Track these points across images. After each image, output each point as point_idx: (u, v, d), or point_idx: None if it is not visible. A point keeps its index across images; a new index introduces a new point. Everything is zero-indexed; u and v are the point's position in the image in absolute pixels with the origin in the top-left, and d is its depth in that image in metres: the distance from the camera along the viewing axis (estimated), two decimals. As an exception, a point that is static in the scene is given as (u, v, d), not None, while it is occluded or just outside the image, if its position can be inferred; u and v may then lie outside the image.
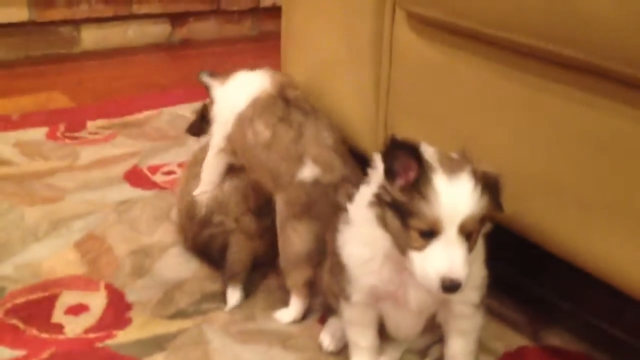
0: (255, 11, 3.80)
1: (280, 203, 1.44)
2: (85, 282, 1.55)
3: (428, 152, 1.09)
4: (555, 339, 1.43)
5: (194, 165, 1.66)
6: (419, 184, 1.04)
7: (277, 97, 1.50)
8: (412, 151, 1.06)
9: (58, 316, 1.43)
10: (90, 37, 3.34)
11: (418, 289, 1.15)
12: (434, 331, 1.34)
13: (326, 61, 1.74)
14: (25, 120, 2.44)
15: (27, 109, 2.55)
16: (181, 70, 3.19)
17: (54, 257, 1.64)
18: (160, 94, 2.79)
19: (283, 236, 1.43)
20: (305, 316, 1.46)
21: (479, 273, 1.20)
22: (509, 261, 1.25)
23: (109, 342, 1.36)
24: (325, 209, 1.38)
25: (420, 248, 1.05)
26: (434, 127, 1.46)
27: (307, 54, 1.79)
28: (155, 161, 2.18)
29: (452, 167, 1.06)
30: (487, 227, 1.15)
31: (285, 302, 1.49)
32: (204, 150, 1.64)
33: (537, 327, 1.47)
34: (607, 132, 1.13)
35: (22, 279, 1.54)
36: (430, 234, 1.04)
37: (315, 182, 1.39)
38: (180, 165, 2.12)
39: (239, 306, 1.49)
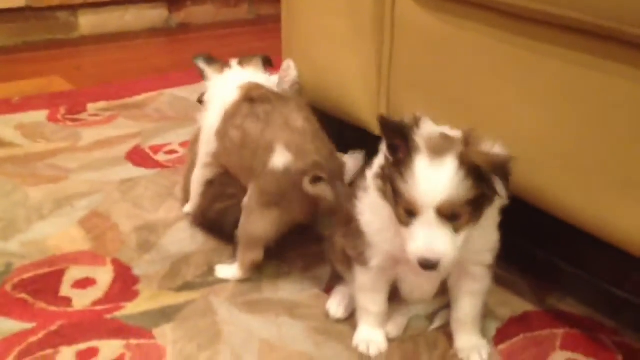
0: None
1: (252, 190, 1.45)
2: (92, 257, 1.55)
3: (422, 131, 1.09)
4: (560, 304, 1.44)
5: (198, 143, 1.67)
6: (404, 164, 1.06)
7: (242, 102, 1.52)
8: (399, 131, 1.08)
9: (66, 290, 1.44)
10: (88, 22, 3.33)
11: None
12: (441, 297, 1.35)
13: (328, 38, 1.74)
14: (26, 104, 2.44)
15: (27, 93, 2.55)
16: (180, 53, 3.19)
17: (59, 234, 1.64)
18: (159, 77, 2.79)
19: (249, 217, 1.45)
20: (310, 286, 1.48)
21: (492, 236, 1.22)
22: (513, 228, 1.26)
23: (117, 313, 1.37)
24: (295, 199, 1.41)
25: (407, 224, 1.08)
26: (436, 98, 1.46)
27: (308, 32, 1.79)
28: (157, 141, 2.18)
29: (437, 150, 1.05)
30: (501, 201, 1.14)
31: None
32: None
33: (542, 292, 1.48)
34: (611, 94, 1.14)
35: (28, 255, 1.55)
36: (412, 213, 1.07)
37: (286, 171, 1.39)
38: (182, 144, 2.12)
39: (244, 278, 1.49)
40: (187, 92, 2.56)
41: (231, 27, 3.69)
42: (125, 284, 1.47)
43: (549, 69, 1.23)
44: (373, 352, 1.28)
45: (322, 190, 1.36)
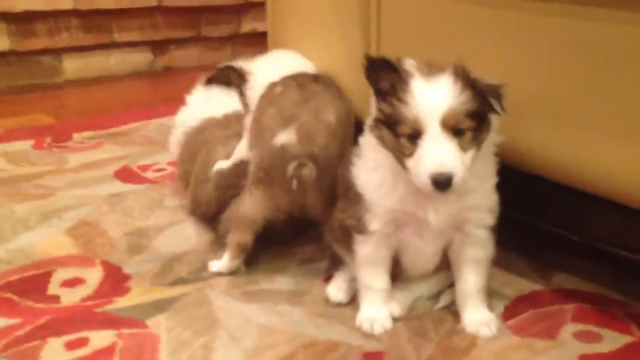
0: (235, 37, 3.83)
1: (251, 162, 1.42)
2: (80, 260, 1.50)
3: (409, 63, 1.12)
4: (567, 283, 1.40)
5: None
6: (398, 91, 1.08)
7: (308, 76, 1.51)
8: (386, 63, 1.10)
9: (53, 288, 1.38)
10: (72, 66, 3.34)
11: (436, 207, 1.16)
12: (445, 275, 1.31)
13: (314, 26, 1.74)
14: (11, 135, 2.41)
15: (11, 128, 2.52)
16: (166, 91, 3.18)
17: (47, 241, 1.59)
18: (145, 110, 2.78)
19: (243, 195, 1.42)
20: (309, 277, 1.44)
21: (491, 196, 1.20)
22: (511, 203, 1.23)
23: (108, 307, 1.31)
24: (281, 184, 1.35)
25: (411, 154, 1.08)
26: (427, 48, 1.45)
27: (294, 21, 1.80)
28: (145, 161, 2.15)
29: (431, 71, 1.09)
30: (497, 138, 1.17)
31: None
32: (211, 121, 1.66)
33: (547, 273, 1.44)
34: (600, 39, 1.12)
35: (14, 260, 1.50)
36: (415, 136, 1.07)
37: (282, 149, 1.34)
38: (170, 163, 2.09)
39: (240, 273, 1.44)
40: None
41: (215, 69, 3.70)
42: (116, 281, 1.41)
43: (538, 21, 1.22)
44: (377, 330, 1.23)
45: (291, 170, 1.30)
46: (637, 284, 1.37)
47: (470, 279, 1.23)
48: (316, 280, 1.42)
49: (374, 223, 1.19)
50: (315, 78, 1.51)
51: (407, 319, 1.27)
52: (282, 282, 1.41)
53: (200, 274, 1.44)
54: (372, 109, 1.17)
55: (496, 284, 1.38)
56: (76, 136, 2.41)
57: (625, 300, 1.33)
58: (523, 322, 1.27)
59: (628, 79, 1.10)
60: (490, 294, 1.32)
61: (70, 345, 1.19)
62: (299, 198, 1.38)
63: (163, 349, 1.18)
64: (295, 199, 1.39)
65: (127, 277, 1.42)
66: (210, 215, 1.57)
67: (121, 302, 1.32)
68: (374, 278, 1.25)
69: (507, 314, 1.29)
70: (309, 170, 1.31)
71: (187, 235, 1.61)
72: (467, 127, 1.08)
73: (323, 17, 1.71)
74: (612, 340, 1.20)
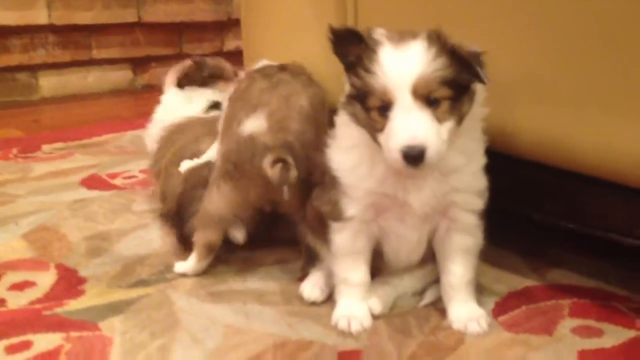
0: (218, 55, 3.72)
1: (218, 155, 1.31)
2: (33, 264, 1.38)
3: (379, 32, 1.02)
4: (563, 279, 1.29)
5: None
6: (365, 62, 0.98)
7: (274, 67, 1.40)
8: (352, 33, 1.01)
9: (0, 292, 1.25)
10: (49, 84, 3.24)
11: (419, 190, 1.05)
12: (430, 270, 1.19)
13: (291, 25, 1.64)
14: (-24, 147, 2.29)
15: (-21, 142, 2.41)
16: (145, 107, 3.06)
17: (-1, 246, 1.46)
18: (122, 122, 2.67)
19: (209, 191, 1.30)
20: (282, 276, 1.32)
21: (479, 178, 1.09)
22: (503, 191, 1.12)
23: (58, 309, 1.19)
24: (250, 176, 1.24)
25: (382, 128, 0.98)
26: None
27: (268, 18, 1.70)
28: (115, 170, 2.03)
29: (402, 38, 0.99)
30: (483, 111, 1.07)
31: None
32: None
33: (541, 268, 1.33)
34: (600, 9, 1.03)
35: (-40, 264, 1.37)
36: (385, 108, 0.97)
37: (250, 139, 1.23)
38: (142, 171, 1.97)
39: (208, 273, 1.32)
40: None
41: (198, 87, 3.60)
42: (70, 284, 1.29)
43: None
44: (355, 328, 1.10)
45: (276, 175, 1.19)
46: (631, 277, 1.26)
47: (458, 270, 1.12)
48: (290, 279, 1.30)
49: (351, 208, 1.09)
50: (282, 67, 1.39)
51: (388, 317, 1.16)
52: (252, 282, 1.29)
53: (163, 275, 1.32)
54: (345, 85, 1.07)
55: (486, 280, 1.27)
56: (45, 147, 2.30)
57: (629, 295, 1.22)
58: (516, 318, 1.15)
59: (629, 51, 1.00)
60: (480, 291, 1.21)
61: (12, 349, 1.06)
62: (272, 192, 1.25)
63: (114, 352, 1.05)
64: (268, 193, 1.27)
65: (82, 280, 1.30)
66: (174, 212, 1.45)
67: (72, 305, 1.20)
68: (351, 271, 1.13)
69: (499, 310, 1.18)
70: (285, 165, 1.19)
71: (152, 238, 1.49)
72: (443, 96, 0.97)
73: (296, 13, 1.61)
74: (615, 334, 1.09)
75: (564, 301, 1.20)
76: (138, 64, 3.51)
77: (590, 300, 1.20)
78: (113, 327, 1.13)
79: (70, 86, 3.30)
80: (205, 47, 3.70)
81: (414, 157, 0.94)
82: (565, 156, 1.13)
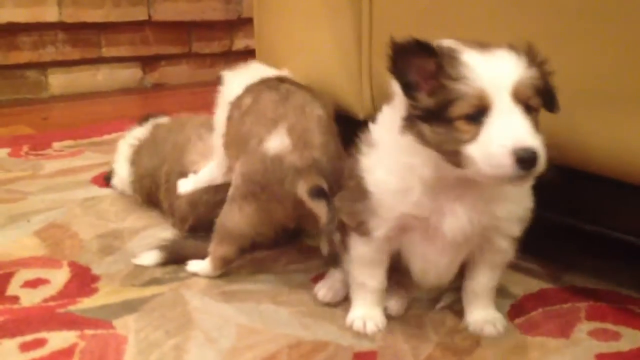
0: (228, 54, 3.74)
1: (237, 172, 1.25)
2: (46, 261, 1.37)
3: (447, 42, 0.93)
4: (579, 281, 1.28)
5: None
6: (447, 69, 0.88)
7: (272, 79, 1.37)
8: (420, 45, 0.90)
9: (13, 289, 1.25)
10: (58, 81, 3.24)
11: (455, 215, 0.98)
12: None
13: (304, 24, 1.64)
14: (-14, 143, 2.29)
15: (-10, 138, 2.41)
16: (156, 106, 3.07)
17: (11, 243, 1.46)
18: (131, 121, 2.65)
19: (228, 208, 1.25)
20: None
21: (525, 204, 1.03)
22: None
23: (72, 307, 1.18)
24: (278, 198, 1.20)
25: (473, 137, 0.87)
26: None
27: (281, 14, 1.69)
28: (126, 168, 2.02)
29: (482, 46, 0.91)
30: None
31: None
32: None
33: (557, 271, 1.31)
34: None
35: (-28, 262, 1.36)
36: (479, 114, 0.87)
37: (277, 159, 1.19)
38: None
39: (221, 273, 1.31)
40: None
41: (208, 86, 3.59)
42: (83, 282, 1.28)
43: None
44: (370, 329, 1.10)
45: (319, 208, 1.15)
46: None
47: (483, 280, 1.10)
48: (304, 280, 1.30)
49: (380, 229, 1.03)
50: (282, 80, 1.37)
51: (403, 318, 1.15)
52: (266, 282, 1.29)
53: (176, 274, 1.31)
54: (397, 107, 0.98)
55: (502, 282, 1.24)
56: (56, 145, 2.29)
57: (646, 299, 1.21)
58: (532, 321, 1.14)
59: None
60: (496, 293, 1.19)
61: (25, 347, 1.06)
62: (299, 211, 1.22)
63: (129, 350, 1.05)
64: (294, 213, 1.23)
65: (96, 278, 1.29)
66: (189, 230, 1.45)
67: (86, 303, 1.20)
68: (369, 277, 1.11)
69: (514, 313, 1.17)
70: (324, 197, 1.15)
71: (164, 237, 1.48)
72: (536, 105, 0.90)
73: (309, 8, 1.60)
74: (632, 338, 1.08)
75: (580, 304, 1.19)
76: (147, 63, 3.51)
77: (606, 303, 1.19)
78: (127, 326, 1.12)
79: (79, 84, 3.30)
80: (215, 46, 3.70)
81: (529, 160, 0.84)
82: (582, 157, 1.12)
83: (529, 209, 1.03)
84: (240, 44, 3.76)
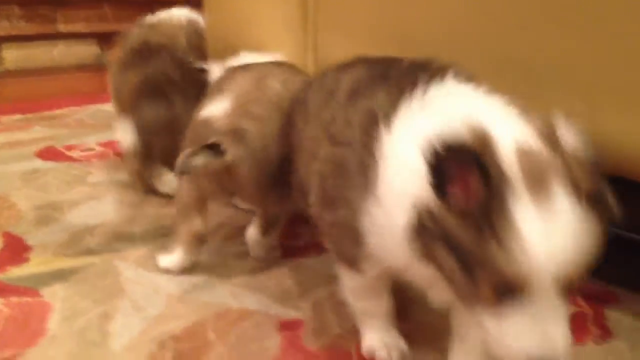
0: (189, 33, 3.69)
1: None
2: (-23, 231, 1.35)
3: (502, 148, 0.66)
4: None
5: None
6: (489, 212, 0.64)
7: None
8: (475, 160, 0.64)
9: (-61, 259, 1.23)
10: (13, 56, 3.16)
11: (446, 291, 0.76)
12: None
13: (248, 14, 1.61)
14: None
15: None
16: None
17: (-58, 214, 1.43)
18: (84, 96, 2.63)
19: (178, 183, 1.20)
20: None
21: None
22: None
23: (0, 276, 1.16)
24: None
25: (494, 307, 0.67)
26: (369, 38, 1.33)
27: (232, 10, 1.67)
28: (73, 142, 2.00)
29: (536, 174, 0.65)
30: None
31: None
32: None
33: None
34: None
35: None
36: (508, 291, 0.66)
37: (205, 123, 1.11)
38: (102, 144, 1.95)
39: (160, 247, 1.29)
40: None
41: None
42: (14, 251, 1.26)
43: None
44: (396, 358, 0.96)
45: (186, 165, 1.06)
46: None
47: (477, 339, 0.86)
48: (239, 250, 1.29)
49: (372, 270, 0.88)
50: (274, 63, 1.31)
51: (332, 290, 1.14)
52: (202, 254, 1.27)
53: (112, 245, 1.30)
54: (414, 197, 0.72)
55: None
56: (4, 119, 2.25)
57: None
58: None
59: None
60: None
61: (-55, 315, 1.04)
62: (226, 183, 1.14)
63: (54, 317, 1.04)
64: (222, 184, 1.15)
65: (27, 248, 1.28)
66: None
67: (15, 272, 1.18)
68: (370, 307, 0.97)
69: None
70: (204, 158, 1.07)
71: (104, 210, 1.47)
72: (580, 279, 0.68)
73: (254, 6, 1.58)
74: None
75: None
76: (105, 39, 3.45)
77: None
78: (55, 294, 1.11)
79: (34, 59, 3.23)
80: (175, 25, 3.64)
81: None
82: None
83: None
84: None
